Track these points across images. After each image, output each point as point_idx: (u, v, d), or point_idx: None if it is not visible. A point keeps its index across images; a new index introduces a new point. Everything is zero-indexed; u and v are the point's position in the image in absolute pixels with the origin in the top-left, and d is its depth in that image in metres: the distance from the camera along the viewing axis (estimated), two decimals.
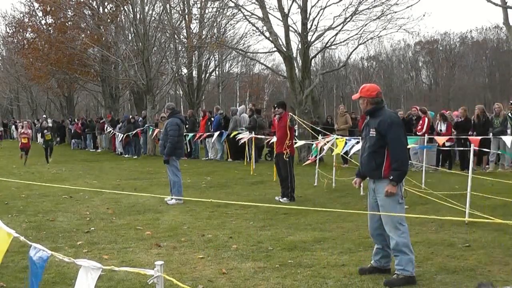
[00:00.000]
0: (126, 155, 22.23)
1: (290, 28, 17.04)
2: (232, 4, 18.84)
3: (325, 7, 17.11)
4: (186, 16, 25.54)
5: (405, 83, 66.75)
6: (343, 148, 10.82)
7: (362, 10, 16.69)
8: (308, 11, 16.91)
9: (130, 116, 23.85)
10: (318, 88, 30.97)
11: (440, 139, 11.66)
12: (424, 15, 29.66)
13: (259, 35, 18.77)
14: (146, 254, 5.98)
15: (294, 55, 17.25)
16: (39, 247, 2.94)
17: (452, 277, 4.91)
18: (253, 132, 15.49)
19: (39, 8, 27.90)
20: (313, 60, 20.09)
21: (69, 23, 26.13)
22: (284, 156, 9.45)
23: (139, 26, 22.23)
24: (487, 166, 13.89)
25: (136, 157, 21.45)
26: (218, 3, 21.79)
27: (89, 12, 24.97)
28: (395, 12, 16.72)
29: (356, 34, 17.46)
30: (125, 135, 21.80)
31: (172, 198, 9.46)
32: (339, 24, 17.00)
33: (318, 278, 4.97)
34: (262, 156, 18.71)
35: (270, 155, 17.98)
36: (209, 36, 25.47)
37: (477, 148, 8.53)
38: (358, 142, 9.79)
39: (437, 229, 6.91)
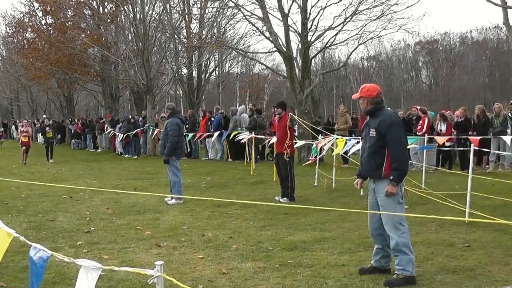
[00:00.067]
0: (126, 155, 22.23)
1: (290, 28, 17.05)
2: (232, 4, 18.87)
3: (325, 7, 17.15)
4: (186, 16, 25.55)
5: (405, 83, 66.78)
6: (343, 148, 10.83)
7: (362, 10, 16.71)
8: (308, 11, 16.92)
9: (130, 116, 23.85)
10: (318, 88, 30.97)
11: (440, 139, 11.66)
12: (424, 15, 29.69)
13: (259, 35, 18.80)
14: (146, 254, 5.98)
15: (294, 55, 17.26)
16: (39, 247, 2.93)
17: (452, 277, 4.91)
18: (253, 132, 15.49)
19: (39, 8, 27.91)
20: (313, 60, 20.10)
21: (69, 23, 26.13)
22: (285, 156, 9.46)
23: (139, 26, 22.24)
24: (487, 166, 13.89)
25: (136, 157, 21.45)
26: (218, 3, 21.80)
27: (89, 12, 24.97)
28: (395, 12, 16.76)
29: (356, 34, 17.49)
30: (125, 135, 21.80)
31: (172, 198, 9.46)
32: (339, 24, 17.02)
33: (318, 278, 4.97)
34: (264, 157, 18.68)
35: (272, 155, 17.98)
36: (209, 36, 25.48)
37: (477, 148, 8.53)
38: (358, 142, 9.79)
39: (437, 229, 6.91)
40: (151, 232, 7.06)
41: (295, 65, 17.20)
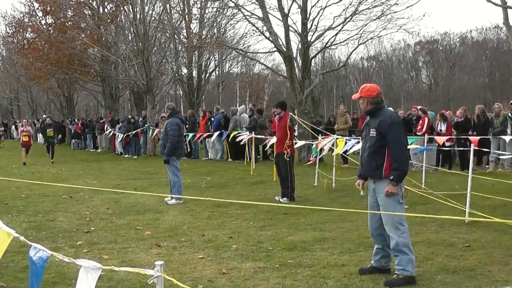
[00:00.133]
0: (126, 155, 22.23)
1: (290, 28, 17.04)
2: (232, 4, 18.87)
3: (325, 7, 17.14)
4: (186, 16, 25.55)
5: (405, 83, 66.78)
6: (343, 147, 10.83)
7: (362, 10, 16.71)
8: (308, 11, 16.91)
9: (130, 116, 23.85)
10: (318, 88, 31.02)
11: (440, 139, 11.66)
12: (424, 15, 29.76)
13: (259, 35, 18.81)
14: (146, 254, 5.98)
15: (294, 55, 17.25)
16: (39, 247, 2.93)
17: (452, 277, 4.91)
18: (253, 132, 15.49)
19: (39, 8, 27.91)
20: (313, 60, 20.10)
21: (69, 23, 26.13)
22: (285, 156, 9.46)
23: (139, 26, 22.23)
24: (487, 166, 13.89)
25: (136, 157, 21.45)
26: (218, 3, 21.80)
27: (89, 12, 24.97)
28: (395, 12, 16.75)
29: (356, 34, 17.49)
30: (125, 135, 21.80)
31: (172, 198, 9.46)
32: (339, 24, 17.02)
33: (318, 278, 4.97)
34: (267, 156, 18.64)
35: (273, 155, 17.96)
36: (209, 36, 25.48)
37: (477, 148, 8.53)
38: (358, 142, 9.79)
39: (437, 229, 6.91)
40: (151, 232, 7.06)
41: (295, 65, 17.20)
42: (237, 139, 16.32)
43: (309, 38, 17.19)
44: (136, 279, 4.94)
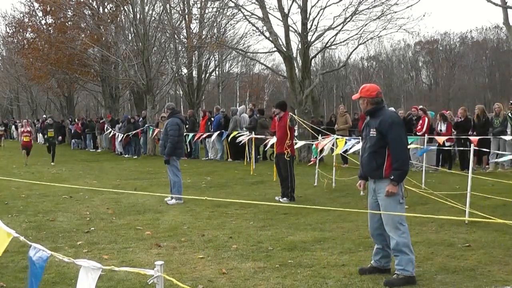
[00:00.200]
0: (126, 155, 22.23)
1: (290, 28, 17.05)
2: (232, 4, 18.87)
3: (325, 7, 17.15)
4: (186, 16, 25.55)
5: (405, 83, 66.80)
6: (342, 147, 10.83)
7: (362, 10, 16.72)
8: (308, 11, 16.92)
9: (130, 116, 23.85)
10: (318, 88, 30.97)
11: (440, 139, 11.66)
12: (424, 15, 29.83)
13: (259, 35, 18.81)
14: (146, 254, 5.98)
15: (294, 55, 17.25)
16: (39, 247, 2.93)
17: (452, 277, 4.91)
18: (253, 132, 15.48)
19: (39, 8, 27.90)
20: (313, 60, 20.09)
21: (69, 23, 26.12)
22: (285, 156, 9.46)
23: (139, 26, 22.23)
24: (487, 166, 13.89)
25: (136, 157, 21.45)
26: (218, 3, 21.81)
27: (89, 12, 24.96)
28: (395, 12, 16.77)
29: (356, 34, 17.50)
30: (125, 135, 21.80)
31: (172, 198, 9.46)
32: (339, 24, 17.03)
33: (318, 278, 4.97)
34: (267, 157, 18.64)
35: (273, 156, 17.94)
36: (209, 36, 25.48)
37: (477, 148, 8.53)
38: (358, 142, 9.79)
39: (437, 229, 6.91)
40: (151, 232, 7.05)
41: (295, 65, 17.20)
42: (237, 140, 16.31)
43: (309, 38, 17.19)
44: (136, 279, 4.94)
